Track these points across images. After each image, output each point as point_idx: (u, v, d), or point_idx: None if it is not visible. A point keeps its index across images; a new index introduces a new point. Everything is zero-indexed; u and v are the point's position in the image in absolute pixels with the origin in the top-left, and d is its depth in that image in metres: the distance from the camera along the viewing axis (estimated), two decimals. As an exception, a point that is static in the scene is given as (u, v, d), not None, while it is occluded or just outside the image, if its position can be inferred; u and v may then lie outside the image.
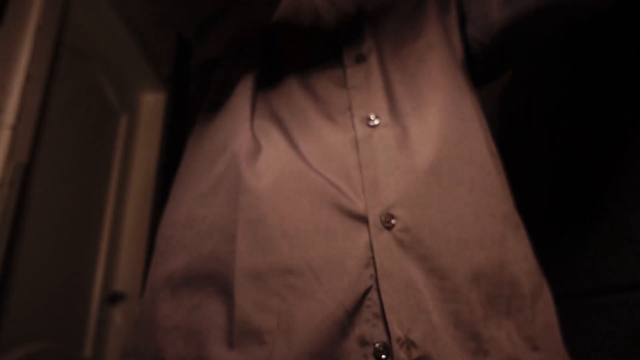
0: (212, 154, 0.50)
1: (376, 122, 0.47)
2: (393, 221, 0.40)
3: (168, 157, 1.91)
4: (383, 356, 0.35)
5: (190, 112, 0.61)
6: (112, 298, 1.64)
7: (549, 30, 0.56)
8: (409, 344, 0.36)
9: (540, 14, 0.52)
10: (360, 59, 0.53)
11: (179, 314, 0.39)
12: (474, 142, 0.48)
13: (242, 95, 0.51)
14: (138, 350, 0.40)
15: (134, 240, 1.76)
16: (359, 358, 0.35)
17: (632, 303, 0.57)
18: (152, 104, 2.00)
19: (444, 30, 0.59)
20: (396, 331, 0.36)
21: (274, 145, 0.47)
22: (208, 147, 0.52)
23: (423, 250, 0.39)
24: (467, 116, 0.50)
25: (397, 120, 0.48)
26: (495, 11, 0.56)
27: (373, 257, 0.39)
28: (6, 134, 1.19)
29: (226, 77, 0.56)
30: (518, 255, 0.44)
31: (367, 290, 0.38)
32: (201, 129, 0.56)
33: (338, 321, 0.36)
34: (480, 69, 0.61)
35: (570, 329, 0.48)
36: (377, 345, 0.36)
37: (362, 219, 0.40)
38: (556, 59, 0.81)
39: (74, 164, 1.48)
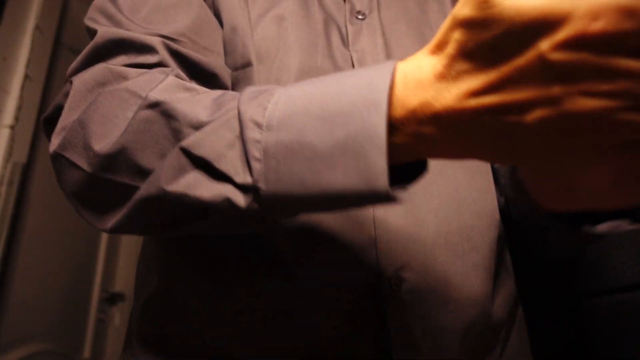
0: None
1: None
2: (401, 283, 0.41)
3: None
4: None
5: None
6: (111, 298, 1.64)
7: None
8: None
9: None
10: None
11: None
12: (483, 199, 0.48)
13: None
14: None
15: (133, 240, 1.76)
16: None
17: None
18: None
19: None
20: None
21: None
22: None
23: (424, 311, 0.41)
24: (478, 170, 0.49)
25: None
26: None
27: (384, 317, 0.40)
28: (5, 133, 1.19)
29: None
30: (505, 298, 0.47)
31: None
32: None
33: None
34: None
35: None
36: None
37: (374, 278, 0.41)
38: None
39: (72, 164, 1.48)
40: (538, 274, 0.72)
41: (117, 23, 0.41)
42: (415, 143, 0.25)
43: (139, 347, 0.46)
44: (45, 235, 1.34)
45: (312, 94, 0.27)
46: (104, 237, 1.64)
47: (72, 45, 1.48)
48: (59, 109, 0.38)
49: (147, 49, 0.39)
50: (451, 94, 0.23)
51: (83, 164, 0.34)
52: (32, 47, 1.28)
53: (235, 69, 0.46)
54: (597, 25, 0.19)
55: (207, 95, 0.32)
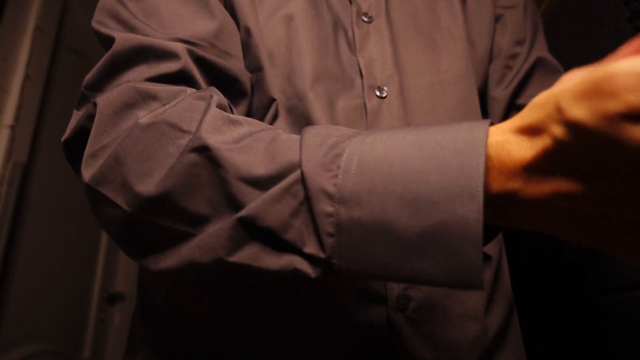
0: None
1: None
2: (408, 302, 0.41)
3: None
4: None
5: None
6: (111, 298, 1.64)
7: None
8: None
9: None
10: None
11: None
12: None
13: None
14: None
15: (133, 240, 1.76)
16: None
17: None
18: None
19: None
20: None
21: None
22: None
23: (430, 328, 0.41)
24: None
25: None
26: None
27: (391, 336, 0.40)
28: (5, 133, 1.19)
29: None
30: (501, 305, 0.48)
31: None
32: None
33: None
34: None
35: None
36: None
37: (382, 299, 0.41)
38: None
39: (73, 164, 1.48)
40: (547, 272, 0.72)
41: (132, 28, 0.39)
42: (494, 221, 0.25)
43: (143, 353, 0.46)
44: (46, 236, 1.34)
45: (391, 166, 0.24)
46: (104, 237, 1.64)
47: (73, 46, 1.48)
48: (81, 131, 0.35)
49: (170, 55, 0.37)
50: (541, 190, 0.22)
51: (122, 202, 0.31)
52: (33, 47, 1.28)
53: (250, 72, 0.45)
54: None
55: (257, 138, 0.30)
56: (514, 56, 0.56)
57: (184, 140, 0.30)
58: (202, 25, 0.41)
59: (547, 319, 0.71)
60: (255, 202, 0.27)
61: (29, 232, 1.26)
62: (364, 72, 0.46)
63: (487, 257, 0.26)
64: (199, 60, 0.39)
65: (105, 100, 0.34)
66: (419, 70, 0.49)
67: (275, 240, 0.27)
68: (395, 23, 0.51)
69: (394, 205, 0.24)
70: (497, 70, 0.56)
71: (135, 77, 0.37)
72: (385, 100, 0.46)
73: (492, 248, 0.47)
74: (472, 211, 0.22)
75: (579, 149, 0.20)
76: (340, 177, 0.25)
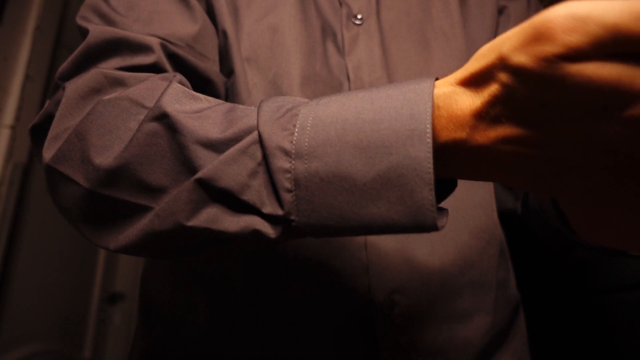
0: None
1: None
2: (394, 307, 0.41)
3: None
4: None
5: None
6: (112, 298, 1.64)
7: None
8: None
9: None
10: None
11: None
12: (482, 214, 0.47)
13: None
14: None
15: (134, 240, 1.76)
16: None
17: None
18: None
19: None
20: None
21: None
22: None
23: (418, 332, 0.41)
24: (479, 183, 0.48)
25: None
26: None
27: (376, 340, 0.40)
28: (5, 133, 1.19)
29: None
30: (506, 306, 0.47)
31: None
32: None
33: None
34: None
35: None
36: None
37: (366, 303, 0.41)
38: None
39: (73, 164, 1.47)
40: (551, 272, 0.72)
41: (111, 22, 0.40)
42: (445, 170, 0.25)
43: (140, 352, 0.47)
44: (46, 235, 1.34)
45: (346, 119, 0.25)
46: (104, 237, 1.64)
47: (73, 45, 1.48)
48: (48, 117, 0.35)
49: (143, 48, 0.37)
50: (488, 136, 0.22)
51: (80, 178, 0.31)
52: (33, 47, 1.28)
53: (225, 76, 0.45)
54: None
55: (215, 109, 0.30)
56: None
57: (145, 116, 0.30)
58: (181, 26, 0.41)
59: (553, 318, 0.71)
60: (212, 164, 0.27)
61: (29, 232, 1.26)
62: (351, 75, 0.46)
63: (442, 210, 0.26)
64: (173, 57, 0.39)
65: (73, 85, 0.34)
66: (410, 70, 0.48)
67: (233, 202, 0.27)
68: (387, 23, 0.50)
69: (348, 155, 0.24)
70: None
71: (109, 67, 0.36)
72: None
73: (492, 247, 0.47)
74: (422, 151, 0.23)
75: (523, 94, 0.20)
76: (296, 134, 0.26)
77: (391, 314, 0.41)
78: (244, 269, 0.42)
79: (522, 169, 0.22)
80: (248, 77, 0.44)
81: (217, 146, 0.28)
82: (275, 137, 0.26)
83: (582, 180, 0.21)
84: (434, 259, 0.43)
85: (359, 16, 0.49)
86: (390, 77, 0.47)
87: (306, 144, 0.25)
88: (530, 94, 0.20)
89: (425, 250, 0.43)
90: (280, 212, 0.26)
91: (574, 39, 0.18)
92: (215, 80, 0.43)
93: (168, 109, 0.29)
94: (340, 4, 0.50)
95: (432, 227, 0.23)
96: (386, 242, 0.42)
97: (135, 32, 0.38)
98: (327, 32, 0.48)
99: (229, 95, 0.45)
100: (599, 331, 0.63)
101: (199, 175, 0.27)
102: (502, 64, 0.21)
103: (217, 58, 0.45)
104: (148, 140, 0.29)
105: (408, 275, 0.42)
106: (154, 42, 0.38)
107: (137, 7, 0.40)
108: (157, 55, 0.37)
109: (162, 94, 0.31)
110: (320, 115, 0.26)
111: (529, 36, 0.19)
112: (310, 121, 0.26)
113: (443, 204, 0.28)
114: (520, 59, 0.20)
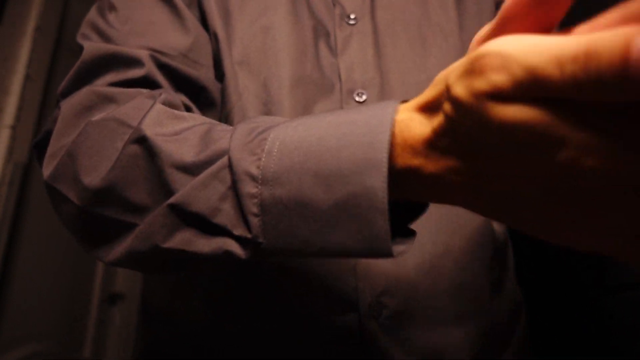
0: None
1: None
2: (382, 310, 0.41)
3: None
4: None
5: None
6: (112, 298, 1.63)
7: None
8: None
9: None
10: None
11: None
12: (477, 217, 0.46)
13: None
14: None
15: (134, 240, 1.76)
16: None
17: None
18: (151, 104, 1.99)
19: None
20: None
21: None
22: None
23: (407, 334, 0.41)
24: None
25: None
26: None
27: (363, 343, 0.40)
28: (6, 133, 1.19)
29: None
30: (506, 306, 0.47)
31: None
32: None
33: None
34: None
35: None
36: None
37: (353, 306, 0.41)
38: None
39: (73, 164, 1.47)
40: (564, 268, 0.72)
41: (107, 37, 0.41)
42: (406, 195, 0.25)
43: (139, 351, 0.47)
44: (46, 236, 1.34)
45: (310, 144, 0.25)
46: (105, 237, 1.64)
47: (73, 45, 1.48)
48: (47, 134, 0.37)
49: (134, 62, 0.39)
50: (438, 166, 0.22)
51: (73, 197, 0.33)
52: (33, 47, 1.28)
53: (218, 80, 0.46)
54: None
55: (194, 131, 0.31)
56: None
57: (128, 137, 0.32)
58: (173, 36, 0.42)
59: (558, 316, 0.71)
60: (184, 189, 0.28)
61: (29, 232, 1.26)
62: (343, 76, 0.46)
63: (411, 233, 0.27)
64: (164, 67, 0.40)
65: (68, 103, 0.37)
66: (405, 69, 0.48)
67: (206, 225, 0.28)
68: (382, 22, 0.50)
69: (309, 182, 0.25)
70: None
71: (104, 83, 0.38)
72: (364, 104, 0.46)
73: (485, 249, 0.46)
74: (378, 181, 0.23)
75: (460, 127, 0.20)
76: (263, 159, 0.27)
77: (379, 316, 0.41)
78: (235, 272, 0.43)
79: (475, 199, 0.22)
80: (239, 80, 0.45)
81: (191, 169, 0.29)
82: (243, 162, 0.27)
83: (534, 213, 0.21)
84: (424, 262, 0.43)
85: (353, 16, 0.49)
86: (383, 77, 0.47)
87: (271, 169, 0.26)
88: (464, 127, 0.20)
89: (415, 253, 0.43)
90: (249, 235, 0.27)
91: (499, 79, 0.17)
92: (209, 87, 0.43)
93: (147, 132, 0.30)
94: (334, 4, 0.49)
95: (388, 254, 0.24)
96: None
97: (129, 45, 0.40)
98: (320, 32, 0.48)
99: (222, 98, 0.46)
100: (602, 330, 0.63)
101: (171, 200, 0.28)
102: (447, 94, 0.20)
103: (211, 64, 0.46)
104: (130, 162, 0.31)
105: (397, 278, 0.42)
106: (144, 55, 0.39)
107: (132, 20, 0.42)
108: (147, 68, 0.39)
109: (143, 116, 0.32)
110: (287, 140, 0.26)
111: (467, 68, 0.19)
112: (277, 146, 0.26)
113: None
114: (459, 90, 0.19)
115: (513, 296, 0.49)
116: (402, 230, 0.28)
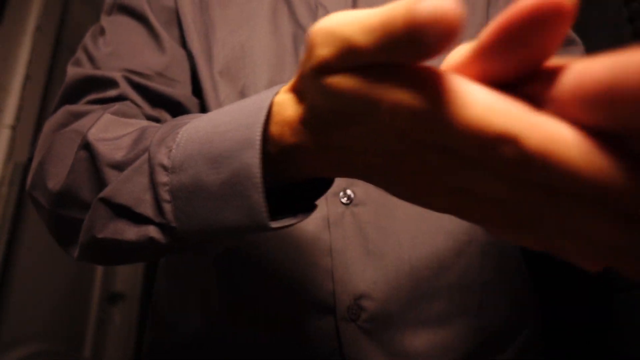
0: None
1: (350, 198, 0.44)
2: (360, 312, 0.41)
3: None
4: None
5: None
6: (112, 298, 1.64)
7: None
8: None
9: None
10: None
11: None
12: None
13: None
14: None
15: (134, 240, 1.76)
16: None
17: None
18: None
19: None
20: None
21: None
22: None
23: (387, 337, 0.41)
24: None
25: (373, 196, 0.45)
26: None
27: (340, 347, 0.40)
28: (6, 133, 1.19)
29: None
30: (504, 305, 0.46)
31: None
32: None
33: None
34: None
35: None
36: None
37: (330, 310, 0.41)
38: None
39: (73, 164, 1.47)
40: (571, 268, 0.72)
41: (93, 59, 0.45)
42: (294, 173, 0.27)
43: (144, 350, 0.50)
44: (46, 235, 1.33)
45: (205, 134, 0.28)
46: (105, 237, 1.64)
47: (73, 45, 1.48)
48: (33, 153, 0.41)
49: (109, 83, 0.42)
50: (314, 142, 0.24)
51: (44, 202, 0.37)
52: (33, 47, 1.28)
53: (196, 96, 0.47)
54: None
55: (131, 133, 0.34)
56: None
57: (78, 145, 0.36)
58: (149, 56, 0.45)
59: (568, 315, 0.70)
60: (112, 183, 0.32)
61: (29, 232, 1.26)
62: None
63: (312, 207, 0.29)
64: (138, 87, 0.44)
65: (48, 123, 0.41)
66: None
67: (132, 215, 0.31)
68: None
69: (203, 165, 0.27)
70: None
71: (83, 103, 0.42)
72: None
73: (472, 247, 0.45)
74: (253, 157, 0.25)
75: (312, 103, 0.22)
76: (173, 150, 0.29)
77: (358, 319, 0.41)
78: (216, 275, 0.45)
79: (354, 172, 0.24)
80: (220, 90, 0.47)
81: (121, 166, 0.32)
82: (158, 155, 0.30)
83: (403, 184, 0.22)
84: (403, 264, 0.42)
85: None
86: None
87: (178, 159, 0.29)
88: (317, 103, 0.21)
89: (393, 255, 0.42)
90: (164, 221, 0.29)
91: (323, 52, 0.19)
92: (184, 103, 0.45)
93: (90, 138, 0.35)
94: (317, 6, 0.49)
95: (266, 228, 0.26)
96: (353, 248, 0.43)
97: (109, 66, 0.44)
98: (300, 39, 0.48)
99: (203, 111, 0.47)
100: (611, 329, 0.63)
101: (101, 194, 0.32)
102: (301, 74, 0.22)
103: (189, 80, 0.48)
104: (80, 166, 0.35)
105: (376, 281, 0.42)
106: (118, 76, 0.43)
107: (113, 42, 0.46)
108: (122, 88, 0.43)
109: (92, 125, 0.36)
110: (191, 131, 0.29)
111: (307, 47, 0.20)
112: (184, 137, 0.29)
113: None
114: (302, 69, 0.21)
115: (514, 296, 0.48)
116: (309, 206, 0.29)
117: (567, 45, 0.52)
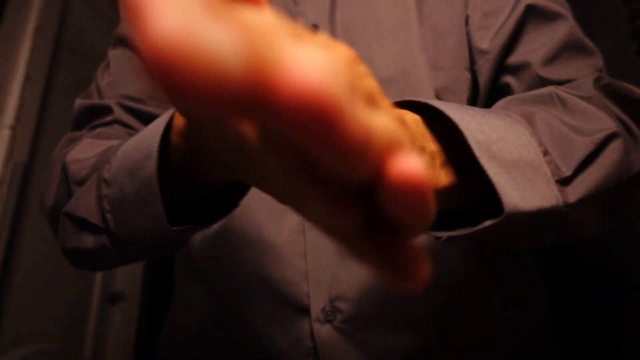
0: None
1: None
2: (336, 314, 0.42)
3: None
4: None
5: None
6: (112, 298, 1.64)
7: None
8: None
9: None
10: None
11: None
12: None
13: None
14: None
15: (134, 240, 1.76)
16: None
17: None
18: (151, 104, 2.00)
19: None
20: None
21: None
22: None
23: (364, 337, 0.41)
24: None
25: None
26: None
27: (315, 348, 0.41)
28: (5, 133, 1.19)
29: None
30: (499, 304, 0.46)
31: None
32: None
33: None
34: None
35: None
36: None
37: (305, 311, 0.42)
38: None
39: (73, 164, 1.48)
40: (580, 268, 0.72)
41: (99, 88, 0.50)
42: (198, 177, 0.29)
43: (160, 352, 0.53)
44: (46, 235, 1.34)
45: (129, 148, 0.31)
46: (105, 237, 1.64)
47: (73, 46, 1.48)
48: None
49: (105, 110, 0.48)
50: (192, 147, 0.26)
51: (46, 218, 0.43)
52: (33, 47, 1.28)
53: None
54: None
55: (97, 154, 0.38)
56: (492, 12, 0.48)
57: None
58: (140, 83, 0.50)
59: (578, 316, 0.70)
60: (72, 199, 0.36)
61: (29, 232, 1.26)
62: None
63: (233, 206, 0.31)
64: (132, 111, 0.48)
65: (56, 149, 0.47)
66: None
67: (89, 226, 0.34)
68: (341, 26, 0.50)
69: (125, 178, 0.30)
70: (477, 35, 0.48)
71: (87, 129, 0.48)
72: None
73: (450, 247, 0.44)
74: (151, 167, 0.28)
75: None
76: (112, 165, 0.32)
77: (334, 320, 0.42)
78: (200, 278, 0.49)
79: (240, 176, 0.25)
80: None
81: (82, 182, 0.36)
82: (103, 171, 0.33)
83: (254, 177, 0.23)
84: None
85: (315, 25, 0.50)
86: None
87: (112, 172, 0.32)
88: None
89: None
90: (109, 229, 0.33)
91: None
92: None
93: (67, 160, 0.40)
94: (297, 14, 0.50)
95: (170, 234, 0.28)
96: (327, 251, 0.43)
97: (108, 94, 0.49)
98: None
99: None
100: (621, 329, 0.63)
101: (65, 209, 0.36)
102: None
103: None
104: (60, 185, 0.40)
105: (349, 283, 0.42)
106: (113, 103, 0.48)
107: (113, 72, 0.51)
108: (116, 114, 0.47)
109: (72, 148, 0.41)
110: (124, 147, 0.32)
111: None
112: (119, 152, 0.32)
113: None
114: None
115: (510, 297, 0.47)
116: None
117: (551, 20, 0.46)
